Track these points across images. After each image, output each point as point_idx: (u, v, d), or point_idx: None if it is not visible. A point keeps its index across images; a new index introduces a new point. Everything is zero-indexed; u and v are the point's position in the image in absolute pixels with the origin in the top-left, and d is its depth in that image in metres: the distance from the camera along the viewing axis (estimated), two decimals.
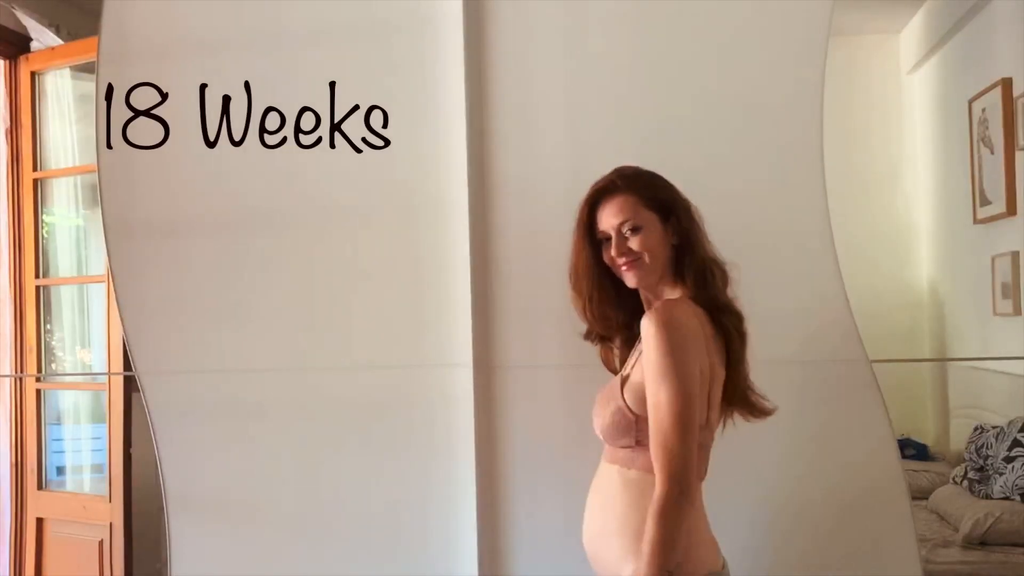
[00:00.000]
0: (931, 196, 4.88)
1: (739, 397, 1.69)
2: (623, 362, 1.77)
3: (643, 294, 1.73)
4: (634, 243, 1.66)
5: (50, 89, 3.50)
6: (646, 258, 1.66)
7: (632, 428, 1.63)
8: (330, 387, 2.21)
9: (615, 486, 1.65)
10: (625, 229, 1.67)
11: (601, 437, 1.70)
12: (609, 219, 1.69)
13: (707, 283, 1.66)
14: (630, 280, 1.69)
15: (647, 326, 1.56)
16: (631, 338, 1.76)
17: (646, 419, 1.59)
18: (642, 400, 1.59)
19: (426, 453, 2.18)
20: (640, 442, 1.62)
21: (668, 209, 1.68)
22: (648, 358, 1.56)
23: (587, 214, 1.71)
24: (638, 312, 1.70)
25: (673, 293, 1.68)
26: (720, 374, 1.64)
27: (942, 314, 4.71)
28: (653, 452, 1.54)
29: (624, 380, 1.66)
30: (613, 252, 1.68)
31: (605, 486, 1.69)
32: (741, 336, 1.66)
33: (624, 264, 1.67)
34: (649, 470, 1.58)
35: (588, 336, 1.82)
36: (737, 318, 1.67)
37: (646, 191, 1.68)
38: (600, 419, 1.69)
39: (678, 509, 1.51)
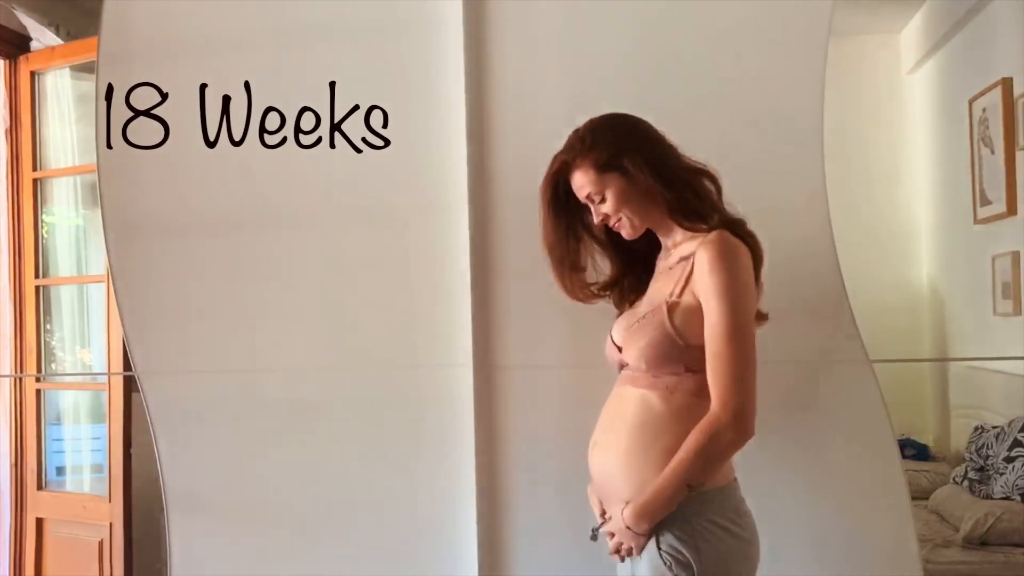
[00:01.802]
0: (931, 196, 4.88)
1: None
2: (631, 303, 1.79)
3: (660, 236, 1.75)
4: (606, 208, 1.70)
5: (50, 89, 3.50)
6: (624, 215, 1.70)
7: (683, 355, 1.61)
8: (330, 387, 2.21)
9: (654, 412, 1.62)
10: (594, 198, 1.70)
11: (644, 366, 1.64)
12: (578, 192, 1.72)
13: (689, 205, 1.64)
14: (625, 235, 1.73)
15: (709, 256, 1.57)
16: (635, 283, 1.80)
17: (694, 346, 1.59)
18: (696, 327, 1.59)
19: (426, 453, 2.18)
20: (689, 368, 1.61)
21: (619, 164, 1.66)
22: (711, 288, 1.56)
23: (550, 191, 1.76)
24: (642, 255, 1.78)
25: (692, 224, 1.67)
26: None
27: (942, 314, 4.71)
28: (717, 381, 1.54)
29: (672, 307, 1.62)
30: (595, 221, 1.74)
31: (638, 410, 1.64)
32: (754, 240, 1.66)
33: (612, 225, 1.73)
34: (694, 393, 1.60)
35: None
36: (743, 223, 1.67)
37: (592, 155, 1.67)
38: (634, 350, 1.65)
39: (730, 440, 1.54)
